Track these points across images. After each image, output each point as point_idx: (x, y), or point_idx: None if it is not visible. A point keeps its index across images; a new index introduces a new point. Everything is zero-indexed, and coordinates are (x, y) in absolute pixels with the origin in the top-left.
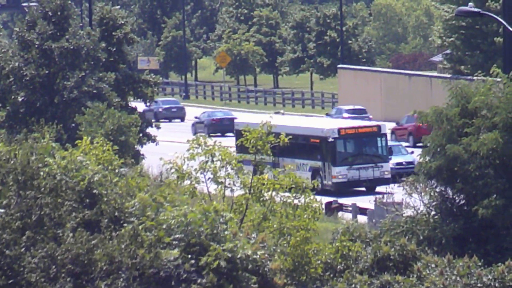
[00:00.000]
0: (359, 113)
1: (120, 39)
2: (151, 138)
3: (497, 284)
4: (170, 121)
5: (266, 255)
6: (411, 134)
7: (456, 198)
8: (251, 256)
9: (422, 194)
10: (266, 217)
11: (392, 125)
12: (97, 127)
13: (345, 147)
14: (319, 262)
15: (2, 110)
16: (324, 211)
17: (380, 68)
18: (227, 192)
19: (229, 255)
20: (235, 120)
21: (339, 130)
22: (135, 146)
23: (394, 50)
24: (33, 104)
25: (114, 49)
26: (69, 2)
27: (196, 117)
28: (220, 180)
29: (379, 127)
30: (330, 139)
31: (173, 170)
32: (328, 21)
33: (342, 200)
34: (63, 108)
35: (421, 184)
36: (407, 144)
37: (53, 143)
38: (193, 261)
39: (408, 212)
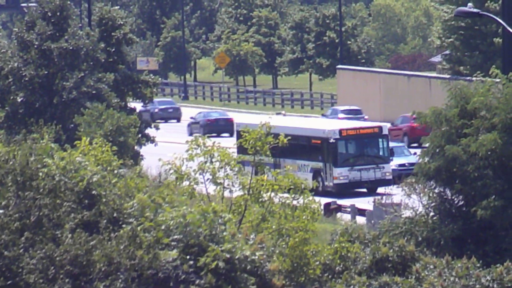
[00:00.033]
0: (354, 113)
1: (119, 39)
2: (150, 139)
3: (495, 285)
4: (166, 122)
5: (264, 256)
6: (406, 135)
7: (455, 199)
8: (249, 257)
9: (421, 195)
10: (265, 218)
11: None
12: (96, 127)
13: (346, 148)
14: (317, 263)
15: (1, 110)
16: (322, 212)
17: (379, 69)
18: (226, 193)
19: (228, 256)
20: (236, 121)
21: (340, 131)
22: (135, 147)
23: (393, 51)
24: (32, 105)
25: (113, 49)
26: (68, 2)
27: (191, 118)
28: (219, 181)
29: (380, 128)
30: (332, 140)
31: (172, 171)
32: (327, 21)
33: (342, 201)
34: (62, 108)
35: (420, 185)
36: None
37: (52, 143)
38: (191, 262)
39: (407, 213)
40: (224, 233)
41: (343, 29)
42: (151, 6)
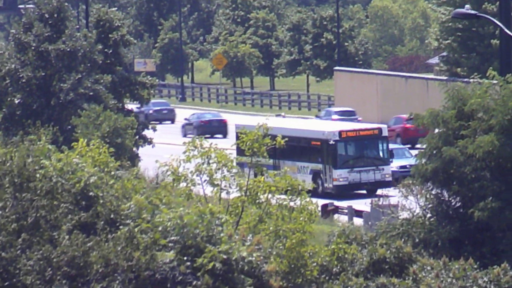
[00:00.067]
0: (348, 115)
1: (117, 41)
2: (147, 140)
3: (492, 287)
4: (160, 123)
5: (261, 257)
6: (399, 136)
7: (452, 200)
8: (246, 258)
9: (418, 196)
10: (262, 220)
11: None
12: (93, 129)
13: (346, 149)
14: (315, 264)
15: None
16: (320, 213)
17: (377, 70)
18: (223, 195)
19: (225, 257)
20: (236, 123)
21: (340, 132)
22: (133, 148)
23: (390, 52)
24: (29, 106)
25: (111, 51)
26: (66, 4)
27: (185, 119)
28: (216, 182)
29: (380, 129)
30: (331, 142)
31: (169, 173)
32: (325, 23)
33: (342, 203)
34: (60, 110)
35: (417, 187)
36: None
37: (49, 145)
38: (188, 263)
39: (404, 215)
40: (221, 234)
41: (340, 30)
42: (148, 8)
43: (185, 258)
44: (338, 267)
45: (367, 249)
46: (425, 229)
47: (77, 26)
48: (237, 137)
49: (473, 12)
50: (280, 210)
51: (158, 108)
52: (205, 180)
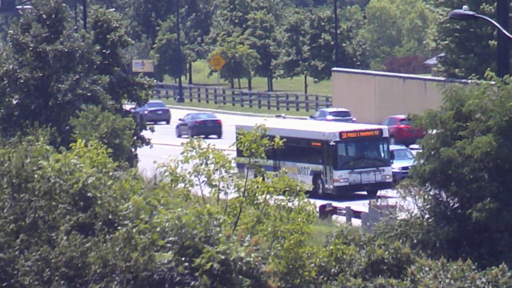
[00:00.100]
0: (342, 115)
1: (115, 41)
2: (145, 141)
3: (490, 287)
4: (155, 124)
5: (259, 258)
6: (392, 136)
7: (450, 201)
8: (244, 259)
9: (416, 197)
10: (260, 220)
11: None
12: (91, 130)
13: (346, 150)
14: (313, 265)
15: None
16: (318, 214)
17: (374, 71)
18: (221, 195)
19: (223, 257)
20: (236, 124)
21: (340, 133)
22: (132, 149)
23: (388, 53)
24: (27, 107)
25: (109, 51)
26: (64, 5)
27: (180, 119)
28: (214, 183)
29: (380, 130)
30: (332, 143)
31: (167, 173)
32: (323, 24)
33: (342, 204)
34: (57, 110)
35: (415, 187)
36: None
37: (47, 146)
38: (186, 264)
39: (402, 216)
40: (219, 235)
41: (338, 31)
42: (146, 9)
43: (183, 258)
44: (336, 268)
45: (365, 250)
46: (423, 230)
47: (75, 27)
48: (237, 138)
49: (471, 13)
50: (278, 211)
51: (153, 108)
52: (203, 181)
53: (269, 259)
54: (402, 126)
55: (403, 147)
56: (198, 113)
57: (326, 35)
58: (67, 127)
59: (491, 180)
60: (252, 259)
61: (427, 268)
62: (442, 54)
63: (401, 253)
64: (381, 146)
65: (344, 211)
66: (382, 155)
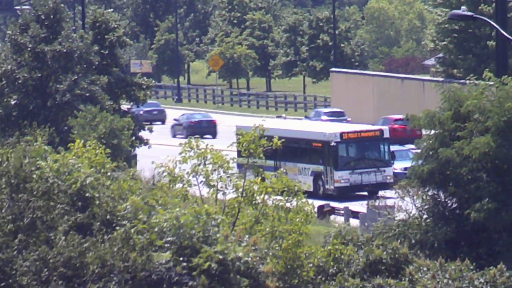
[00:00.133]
0: (337, 115)
1: (113, 42)
2: (144, 141)
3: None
4: (151, 124)
5: (258, 258)
6: None
7: (448, 201)
8: (242, 259)
9: (415, 197)
10: (258, 220)
11: None
12: (90, 130)
13: (347, 151)
14: (311, 265)
15: None
16: (316, 214)
17: (373, 72)
18: (220, 195)
19: (221, 257)
20: (236, 124)
21: (341, 134)
22: (130, 149)
23: (386, 54)
24: (25, 107)
25: (107, 52)
26: (62, 5)
27: (175, 119)
28: (212, 183)
29: (381, 131)
30: (332, 143)
31: (165, 174)
32: (321, 24)
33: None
34: (56, 111)
35: (413, 188)
36: None
37: (46, 146)
38: (184, 264)
39: (401, 216)
40: (217, 235)
41: (336, 32)
42: (144, 9)
43: (181, 258)
44: (335, 268)
45: (363, 250)
46: (421, 230)
47: (73, 27)
48: (238, 139)
49: (469, 13)
50: (276, 211)
51: (149, 108)
52: (201, 181)
53: (267, 259)
54: (396, 126)
55: (406, 148)
56: (193, 113)
57: (325, 35)
58: (66, 128)
59: (489, 181)
60: (250, 259)
61: (425, 268)
62: (441, 55)
63: (399, 253)
64: (381, 147)
65: (342, 211)
66: (383, 155)
